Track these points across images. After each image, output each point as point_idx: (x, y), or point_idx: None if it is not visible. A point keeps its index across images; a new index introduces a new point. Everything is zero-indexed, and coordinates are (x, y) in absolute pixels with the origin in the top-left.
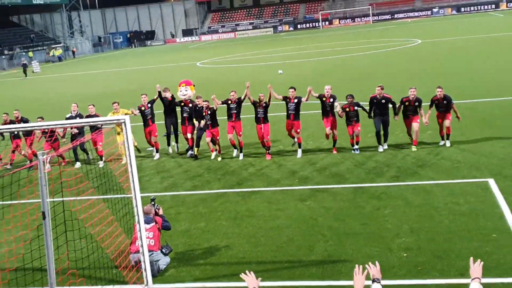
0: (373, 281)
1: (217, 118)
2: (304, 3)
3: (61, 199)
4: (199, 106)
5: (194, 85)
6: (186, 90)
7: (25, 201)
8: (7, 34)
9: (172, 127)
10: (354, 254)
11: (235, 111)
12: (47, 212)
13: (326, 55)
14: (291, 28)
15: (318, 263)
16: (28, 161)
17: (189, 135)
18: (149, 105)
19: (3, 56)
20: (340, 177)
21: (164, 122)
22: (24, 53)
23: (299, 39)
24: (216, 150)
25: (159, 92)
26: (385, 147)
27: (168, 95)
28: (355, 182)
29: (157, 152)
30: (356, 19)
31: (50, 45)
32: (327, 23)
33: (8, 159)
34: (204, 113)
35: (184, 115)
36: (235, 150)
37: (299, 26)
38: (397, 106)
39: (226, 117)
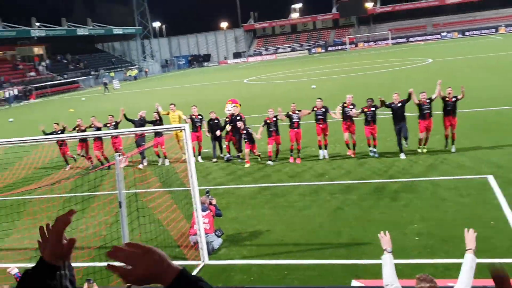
0: (385, 251)
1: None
2: (334, 29)
3: (134, 191)
4: (234, 115)
5: (240, 104)
6: (231, 107)
7: (106, 192)
8: (94, 58)
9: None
10: (374, 238)
11: (274, 129)
12: (123, 202)
13: (352, 72)
14: (323, 50)
15: (345, 245)
16: (99, 163)
17: (227, 143)
18: (200, 116)
19: (90, 76)
20: (363, 175)
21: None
22: (106, 74)
23: (329, 59)
24: (258, 158)
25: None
26: (406, 145)
27: (213, 116)
28: (375, 179)
29: (199, 154)
30: (377, 42)
31: (127, 67)
32: (353, 45)
33: (84, 161)
34: (240, 132)
35: (228, 128)
36: (271, 162)
37: (329, 48)
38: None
39: (267, 133)
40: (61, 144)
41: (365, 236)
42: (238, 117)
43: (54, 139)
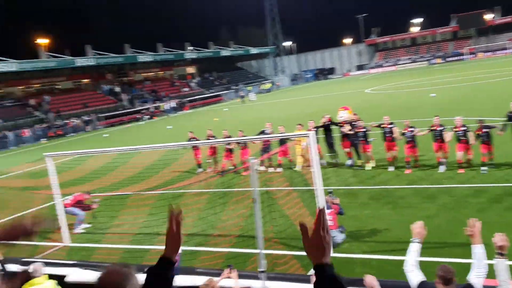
0: (498, 254)
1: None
2: (452, 41)
3: (266, 188)
4: (353, 122)
5: (350, 110)
6: (343, 114)
7: (243, 189)
8: (234, 75)
9: (330, 144)
10: (490, 239)
11: (389, 135)
12: (257, 198)
13: (471, 81)
14: (442, 61)
15: (460, 245)
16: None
17: (347, 150)
18: (315, 129)
19: (231, 90)
20: (480, 182)
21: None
22: (245, 88)
23: (448, 69)
24: (370, 161)
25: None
26: None
27: (324, 120)
28: (493, 182)
29: (321, 159)
30: (496, 52)
31: (262, 81)
32: (472, 55)
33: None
34: (357, 131)
35: (343, 134)
36: (390, 167)
37: (448, 59)
38: None
39: (383, 139)
40: (195, 146)
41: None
42: (354, 122)
43: (202, 144)
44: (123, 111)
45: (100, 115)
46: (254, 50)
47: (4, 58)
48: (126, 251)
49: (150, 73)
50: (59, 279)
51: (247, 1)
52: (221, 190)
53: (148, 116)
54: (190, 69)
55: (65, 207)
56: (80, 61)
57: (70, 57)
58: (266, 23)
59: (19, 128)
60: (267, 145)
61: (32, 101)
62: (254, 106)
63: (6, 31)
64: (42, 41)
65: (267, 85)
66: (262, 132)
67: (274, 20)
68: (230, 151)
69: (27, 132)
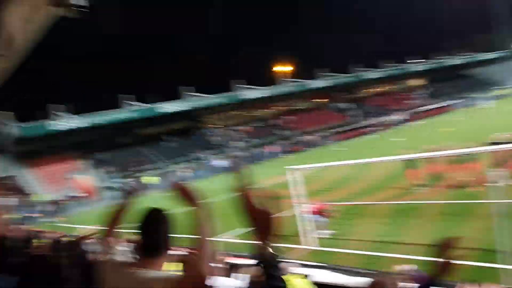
0: None
1: None
2: None
3: (500, 201)
4: None
5: None
6: None
7: (484, 201)
8: (462, 84)
9: None
10: None
11: None
12: (500, 211)
13: None
14: None
15: None
16: None
17: None
18: None
19: (461, 99)
20: None
21: None
22: (475, 96)
23: None
24: None
25: None
26: None
27: None
28: None
29: None
30: None
31: (494, 88)
32: None
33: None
34: None
35: None
36: None
37: None
38: None
39: None
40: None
41: None
42: None
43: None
44: (352, 126)
45: (332, 131)
46: (483, 56)
47: (252, 86)
48: (364, 257)
49: (377, 89)
50: (309, 278)
51: (471, 7)
52: (458, 201)
53: (377, 130)
54: (416, 81)
55: (309, 214)
56: (314, 84)
57: (307, 81)
58: (495, 27)
59: (265, 145)
60: (504, 156)
61: (275, 121)
62: (488, 114)
63: (255, 64)
64: (282, 68)
65: (502, 91)
66: (495, 143)
67: (505, 22)
68: (459, 163)
69: (272, 148)
